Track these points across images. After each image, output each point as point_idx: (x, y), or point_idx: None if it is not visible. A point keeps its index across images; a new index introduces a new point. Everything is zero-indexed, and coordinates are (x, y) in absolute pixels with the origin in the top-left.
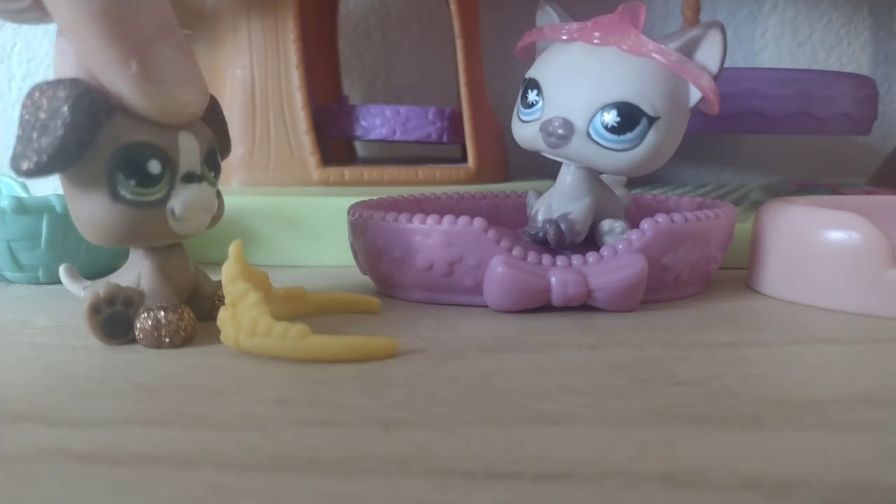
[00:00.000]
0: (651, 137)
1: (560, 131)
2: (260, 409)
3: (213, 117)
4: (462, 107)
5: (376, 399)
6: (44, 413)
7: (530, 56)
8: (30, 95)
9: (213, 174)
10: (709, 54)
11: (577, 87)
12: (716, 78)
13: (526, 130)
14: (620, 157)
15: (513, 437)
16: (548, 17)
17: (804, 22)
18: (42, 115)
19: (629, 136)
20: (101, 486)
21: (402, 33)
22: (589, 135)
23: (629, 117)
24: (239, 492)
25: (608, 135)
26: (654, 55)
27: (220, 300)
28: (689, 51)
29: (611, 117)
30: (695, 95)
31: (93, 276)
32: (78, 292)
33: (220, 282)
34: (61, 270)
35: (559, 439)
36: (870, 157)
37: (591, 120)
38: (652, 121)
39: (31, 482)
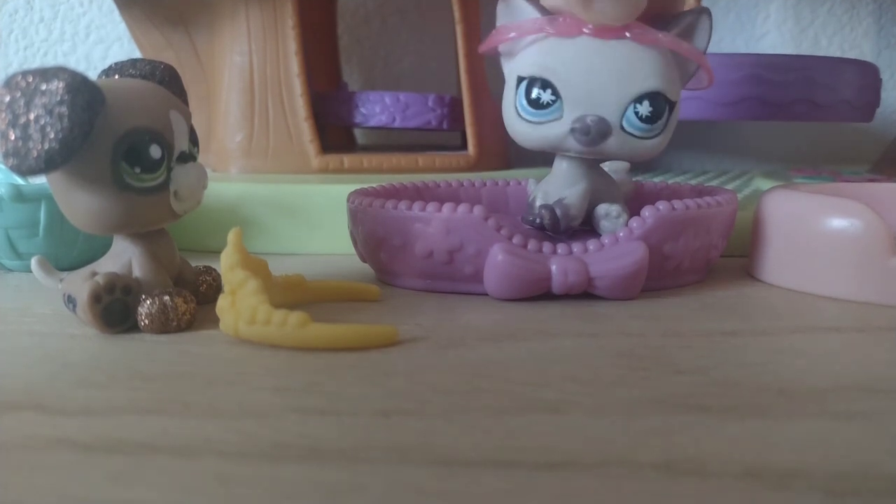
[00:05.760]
0: (670, 122)
1: (599, 127)
2: (259, 397)
3: (178, 88)
4: (462, 94)
5: (376, 387)
6: (42, 402)
7: (495, 53)
8: (14, 85)
9: (196, 149)
10: (700, 37)
11: (602, 82)
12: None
13: (543, 131)
14: (649, 144)
15: (513, 426)
16: (519, 11)
17: (806, 7)
18: (38, 111)
19: (659, 123)
20: (100, 474)
21: (401, 19)
22: (623, 128)
23: (660, 105)
24: (238, 480)
25: (642, 125)
26: (665, 41)
27: (204, 285)
28: (687, 36)
29: (644, 108)
30: (685, 77)
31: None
32: (54, 285)
33: (199, 267)
34: (34, 263)
35: (559, 428)
36: (872, 145)
37: (624, 113)
38: (673, 105)
39: (30, 471)
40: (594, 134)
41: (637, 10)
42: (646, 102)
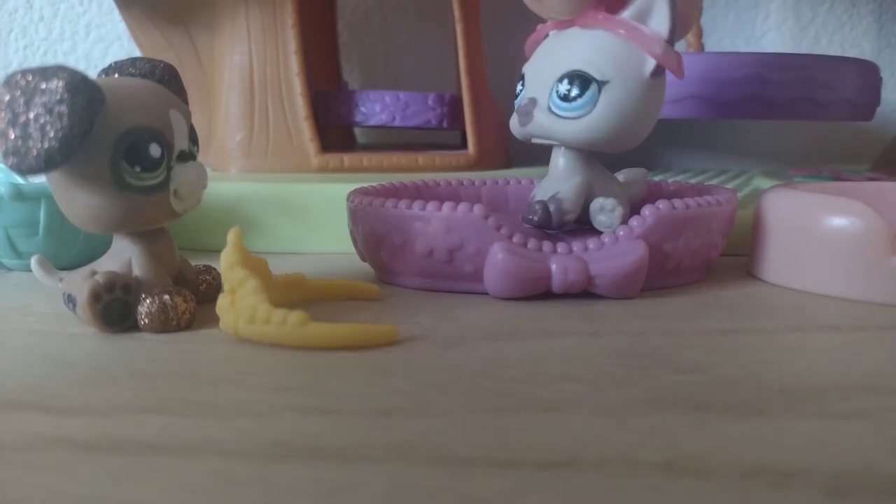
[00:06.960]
0: (603, 101)
1: (526, 109)
2: (259, 396)
3: (178, 87)
4: (462, 93)
5: (376, 386)
6: (42, 401)
7: None
8: (14, 84)
9: (196, 148)
10: (659, 21)
11: (542, 67)
12: (670, 42)
13: (512, 119)
14: (578, 124)
15: (512, 425)
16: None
17: (806, 6)
18: (37, 109)
19: (580, 102)
20: (100, 473)
21: (401, 17)
22: (549, 108)
23: (578, 84)
24: (238, 479)
25: (562, 104)
26: (604, 25)
27: (204, 284)
28: (641, 19)
29: (563, 87)
30: (650, 61)
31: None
32: (54, 284)
33: (199, 266)
34: (33, 262)
35: (559, 427)
36: (872, 144)
37: (550, 94)
38: (601, 85)
39: (30, 470)
40: (521, 112)
41: (583, 4)
42: (564, 81)
